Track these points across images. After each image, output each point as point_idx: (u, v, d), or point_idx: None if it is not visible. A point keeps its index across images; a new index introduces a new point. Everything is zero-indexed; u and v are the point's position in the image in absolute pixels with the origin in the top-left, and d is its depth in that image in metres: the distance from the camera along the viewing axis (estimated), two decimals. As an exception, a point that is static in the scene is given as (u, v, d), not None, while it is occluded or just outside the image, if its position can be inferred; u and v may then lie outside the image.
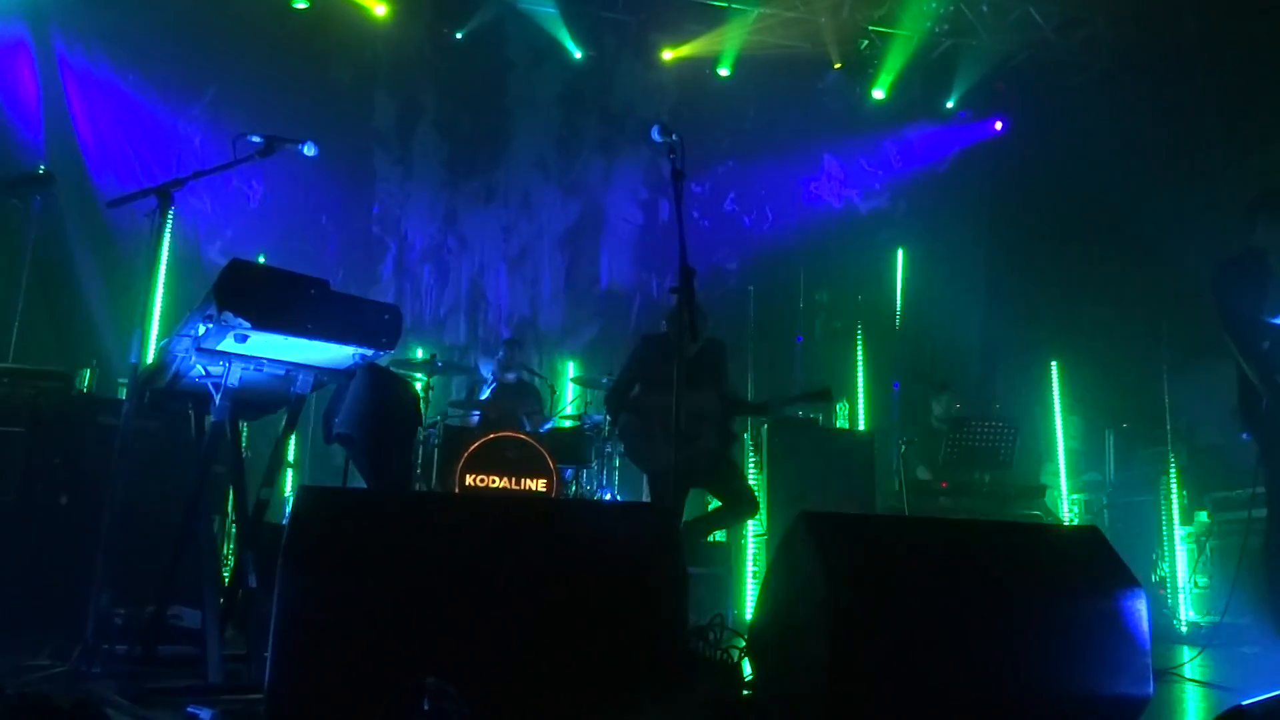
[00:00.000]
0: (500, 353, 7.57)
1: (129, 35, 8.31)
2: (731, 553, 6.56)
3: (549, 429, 7.22)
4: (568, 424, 7.53)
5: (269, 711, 2.37)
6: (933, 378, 8.28)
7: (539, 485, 6.49)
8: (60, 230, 7.81)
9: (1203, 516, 6.84)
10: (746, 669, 3.12)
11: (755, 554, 6.60)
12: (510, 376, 7.38)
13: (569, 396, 8.62)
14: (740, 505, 5.32)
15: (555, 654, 2.47)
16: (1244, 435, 4.50)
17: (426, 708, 2.18)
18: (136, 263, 7.01)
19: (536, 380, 7.61)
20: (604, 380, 7.40)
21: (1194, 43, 8.05)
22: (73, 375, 5.38)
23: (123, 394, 5.00)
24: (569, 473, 6.93)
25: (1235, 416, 4.53)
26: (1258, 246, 4.45)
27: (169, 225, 3.59)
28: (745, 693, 2.99)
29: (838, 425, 8.34)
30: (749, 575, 6.53)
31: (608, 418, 5.56)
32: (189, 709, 2.68)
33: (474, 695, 2.25)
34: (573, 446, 6.99)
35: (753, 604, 5.51)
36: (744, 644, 3.14)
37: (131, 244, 7.49)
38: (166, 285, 6.69)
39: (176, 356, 3.44)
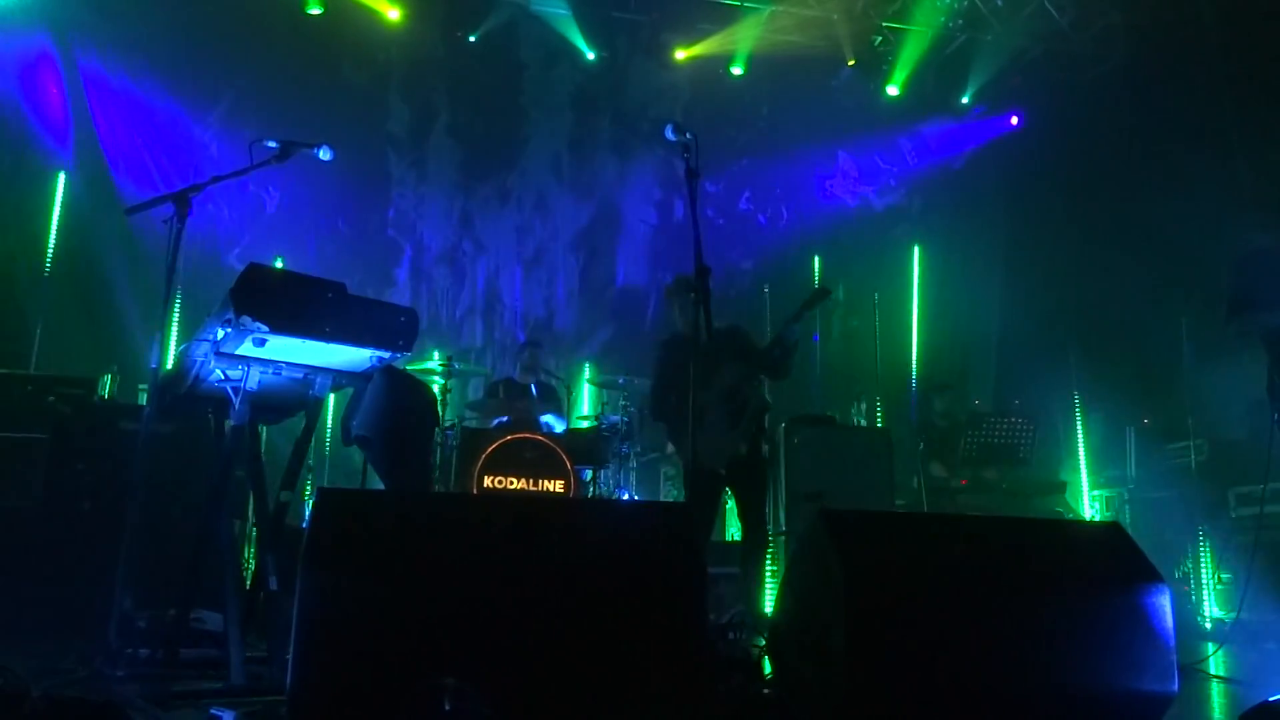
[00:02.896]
0: (524, 355, 7.58)
1: (146, 43, 8.37)
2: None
3: (566, 430, 7.23)
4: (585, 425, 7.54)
5: (291, 713, 2.38)
6: (933, 380, 8.27)
7: (556, 486, 6.50)
8: (80, 238, 7.89)
9: (1226, 512, 6.77)
10: (767, 666, 3.12)
11: (774, 551, 6.58)
12: (529, 378, 7.40)
13: (585, 399, 8.64)
14: (753, 535, 5.18)
15: (575, 653, 2.47)
16: (1275, 417, 4.45)
17: (447, 708, 2.19)
18: (155, 269, 7.07)
19: (554, 381, 7.62)
20: (620, 380, 7.40)
21: (1211, 34, 7.97)
22: (94, 381, 5.43)
23: (143, 399, 5.05)
24: (586, 473, 6.94)
25: (1266, 403, 4.49)
26: None
27: (186, 231, 3.61)
28: (766, 690, 2.99)
29: (856, 422, 8.31)
30: (768, 573, 6.50)
31: (661, 424, 5.56)
32: (212, 711, 2.70)
33: (494, 695, 2.25)
34: (590, 447, 6.99)
35: (772, 601, 5.49)
36: (764, 641, 3.13)
37: (150, 250, 7.54)
38: (185, 291, 6.74)
39: (196, 361, 3.47)
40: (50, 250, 7.81)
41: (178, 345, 6.07)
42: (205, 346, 3.34)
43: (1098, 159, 8.89)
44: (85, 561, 4.29)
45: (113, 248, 7.72)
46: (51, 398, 4.98)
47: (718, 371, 5.07)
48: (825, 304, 5.47)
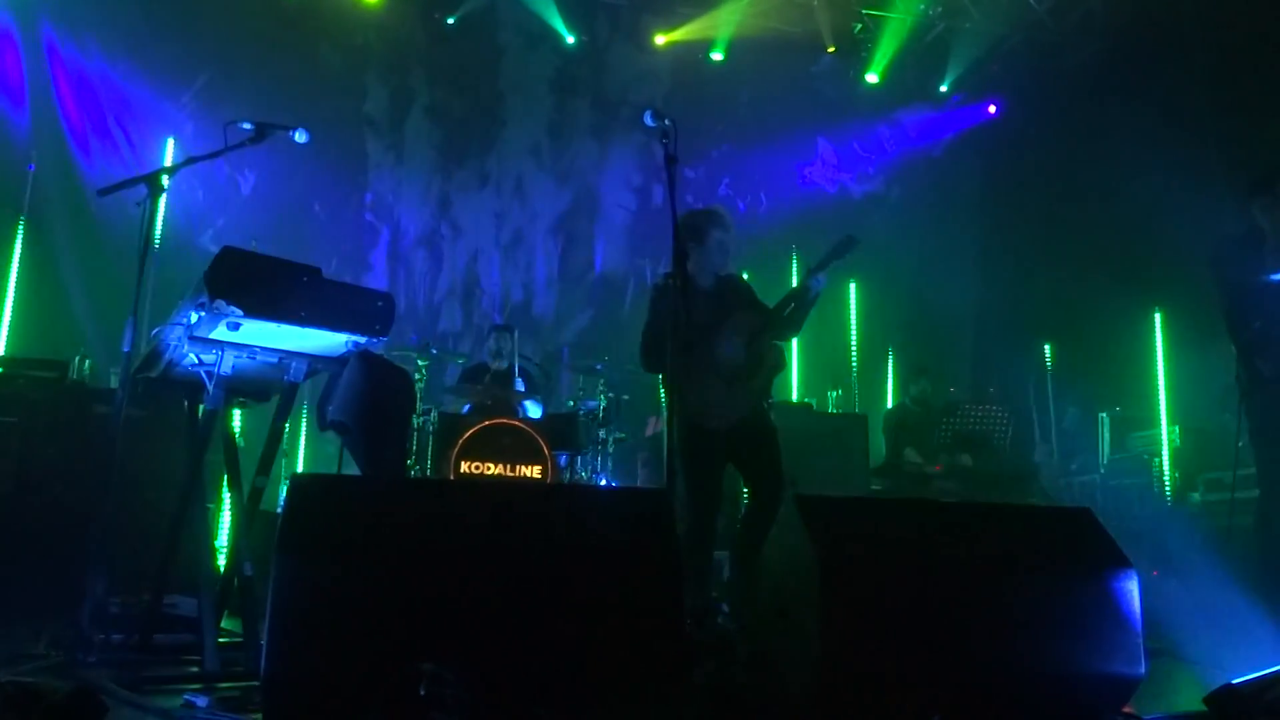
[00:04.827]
0: (489, 340, 7.57)
1: (119, 23, 8.25)
2: (726, 536, 6.56)
3: (544, 415, 7.22)
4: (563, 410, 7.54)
5: (265, 698, 2.38)
6: (913, 361, 8.29)
7: (534, 472, 6.49)
8: (52, 219, 7.79)
9: (1195, 498, 6.87)
10: (742, 651, 3.13)
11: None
12: (502, 364, 7.38)
13: (563, 384, 8.63)
14: (767, 502, 4.48)
15: (551, 638, 2.48)
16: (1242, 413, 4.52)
17: (423, 693, 2.19)
18: (128, 251, 6.98)
19: (530, 366, 7.60)
20: (598, 366, 7.39)
21: (1187, 24, 8.03)
22: (66, 365, 5.37)
23: (116, 383, 4.99)
24: (563, 459, 6.93)
25: (1233, 392, 4.56)
26: (1258, 227, 4.49)
27: (160, 213, 3.57)
28: (741, 675, 3.00)
29: (830, 409, 8.36)
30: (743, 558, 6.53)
31: (658, 376, 4.77)
32: (186, 696, 2.69)
33: (471, 680, 2.26)
34: (567, 433, 6.99)
35: (747, 587, 5.51)
36: (739, 626, 3.15)
37: (123, 232, 7.46)
38: (158, 274, 6.66)
39: (169, 345, 3.44)
40: (21, 231, 7.70)
41: (150, 328, 6.01)
42: (179, 330, 3.31)
43: (1074, 148, 8.95)
44: (57, 546, 4.23)
45: (85, 229, 7.62)
46: (22, 380, 4.92)
47: (728, 320, 4.54)
48: (849, 255, 4.84)
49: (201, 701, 2.63)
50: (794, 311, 4.65)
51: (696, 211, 4.80)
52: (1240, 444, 4.46)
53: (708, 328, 4.47)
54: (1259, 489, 4.42)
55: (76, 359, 5.62)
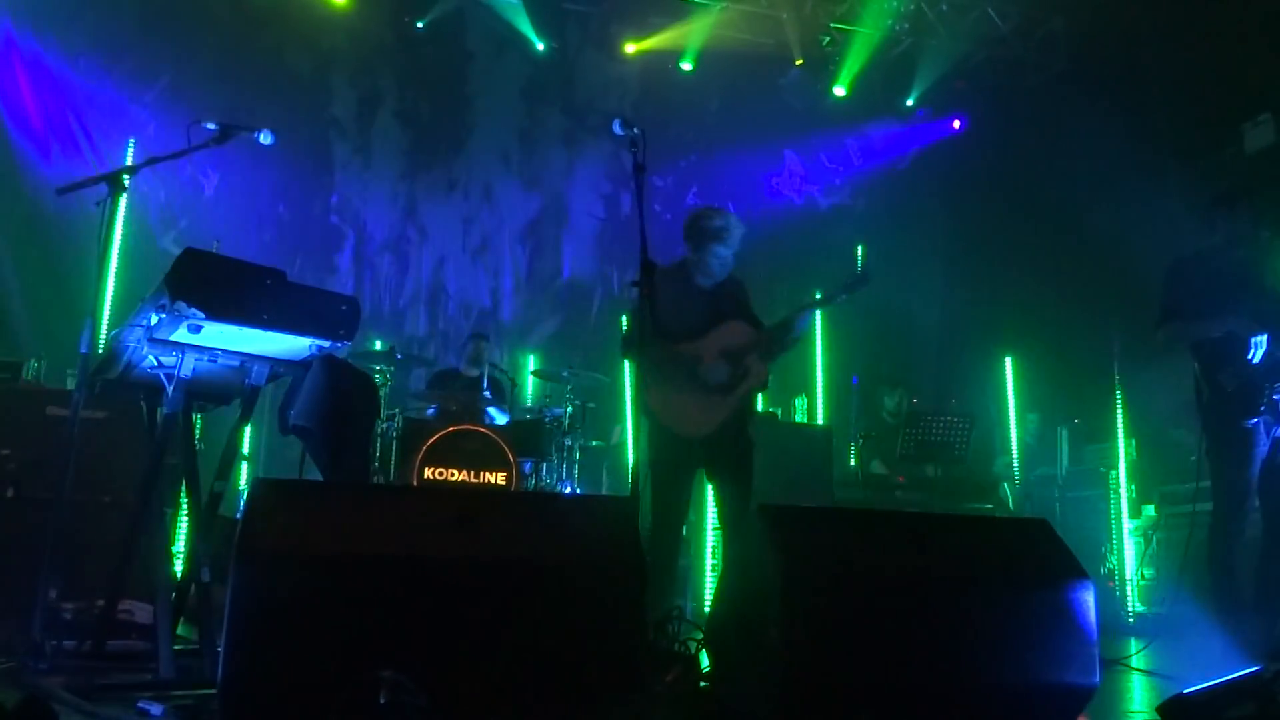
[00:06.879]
0: (468, 346, 7.53)
1: (81, 19, 8.13)
2: (690, 545, 6.58)
3: (509, 422, 7.19)
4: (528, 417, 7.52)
5: (222, 706, 2.35)
6: (886, 373, 8.36)
7: (498, 478, 6.47)
8: (9, 218, 7.64)
9: (1150, 510, 6.99)
10: (705, 661, 3.14)
11: (714, 546, 6.64)
12: (474, 371, 7.35)
13: (529, 389, 8.61)
14: (734, 530, 4.35)
15: (513, 647, 2.47)
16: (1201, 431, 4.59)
17: (383, 701, 2.17)
18: (87, 251, 6.87)
19: (499, 374, 7.58)
20: (564, 373, 7.38)
21: (1147, 46, 8.20)
22: (19, 365, 5.27)
23: (72, 384, 4.91)
24: (528, 466, 6.91)
25: (1192, 408, 4.64)
26: (1220, 244, 4.58)
27: (121, 213, 3.52)
28: (703, 684, 3.01)
29: (796, 419, 8.40)
30: (708, 568, 6.56)
31: (629, 362, 4.42)
32: (140, 705, 2.64)
33: (431, 688, 2.24)
34: (533, 440, 6.97)
35: (711, 596, 5.53)
36: (702, 636, 3.16)
37: (83, 232, 7.33)
38: (118, 274, 6.57)
39: (128, 347, 3.39)
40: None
41: (110, 330, 5.91)
42: (138, 332, 3.26)
43: (1036, 164, 9.09)
44: (9, 550, 4.16)
45: (43, 228, 7.48)
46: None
47: (721, 324, 4.36)
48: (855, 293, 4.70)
49: (156, 710, 2.59)
50: (779, 340, 4.51)
51: (707, 216, 4.58)
52: (1193, 458, 4.55)
53: (694, 332, 4.34)
54: (1212, 502, 4.50)
55: (34, 361, 5.52)
